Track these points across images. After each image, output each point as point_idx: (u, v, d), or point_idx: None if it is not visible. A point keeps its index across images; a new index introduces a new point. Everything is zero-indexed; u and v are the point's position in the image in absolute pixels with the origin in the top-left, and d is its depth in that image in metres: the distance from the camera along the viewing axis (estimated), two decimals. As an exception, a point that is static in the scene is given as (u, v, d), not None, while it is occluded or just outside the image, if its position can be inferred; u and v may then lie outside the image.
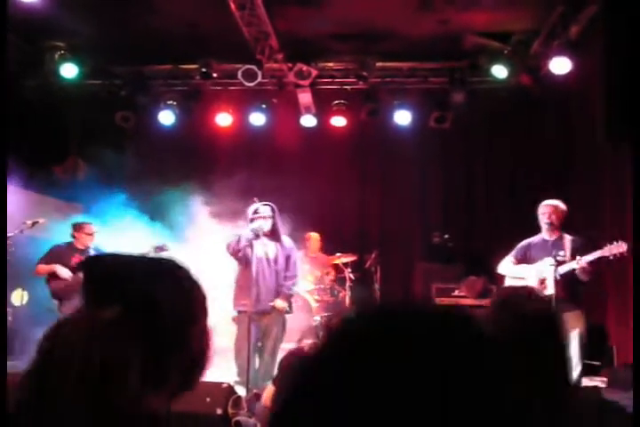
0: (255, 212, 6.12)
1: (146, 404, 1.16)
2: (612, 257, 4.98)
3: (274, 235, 6.19)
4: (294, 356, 4.00)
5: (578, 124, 8.18)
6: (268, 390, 4.04)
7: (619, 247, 4.92)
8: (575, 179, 8.22)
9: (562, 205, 5.53)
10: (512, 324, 1.80)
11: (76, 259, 6.54)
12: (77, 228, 6.67)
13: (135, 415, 1.14)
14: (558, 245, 5.37)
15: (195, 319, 1.29)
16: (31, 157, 7.49)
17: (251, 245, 5.92)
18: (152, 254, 6.41)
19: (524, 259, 5.59)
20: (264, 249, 6.05)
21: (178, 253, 7.13)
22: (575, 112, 8.24)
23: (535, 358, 1.72)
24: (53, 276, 6.43)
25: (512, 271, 5.60)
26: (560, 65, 6.99)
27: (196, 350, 1.27)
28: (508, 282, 5.69)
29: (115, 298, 1.20)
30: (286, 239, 6.27)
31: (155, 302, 1.23)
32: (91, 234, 6.65)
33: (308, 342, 3.98)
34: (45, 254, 6.55)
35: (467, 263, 8.18)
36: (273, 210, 6.20)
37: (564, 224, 5.53)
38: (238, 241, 6.01)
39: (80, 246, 6.62)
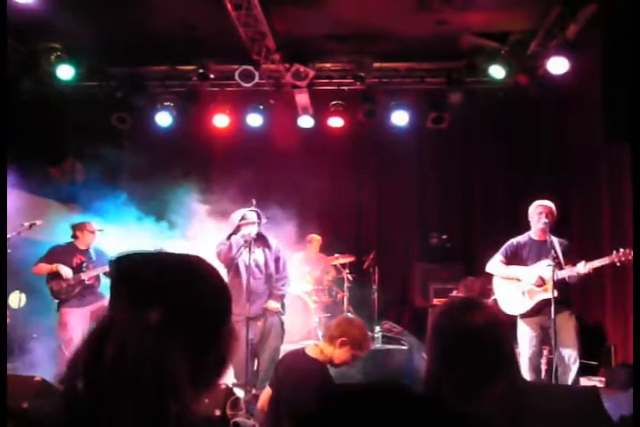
0: (243, 218, 6.12)
1: (195, 407, 1.16)
2: (618, 264, 4.97)
3: (260, 240, 6.20)
4: (293, 356, 3.98)
5: (575, 123, 8.19)
6: (265, 393, 4.01)
7: (626, 255, 4.91)
8: (573, 178, 8.23)
9: (553, 207, 5.53)
10: (454, 335, 1.85)
11: (77, 259, 6.57)
12: (79, 227, 6.69)
13: (190, 420, 1.13)
14: (549, 246, 5.35)
15: (227, 319, 1.31)
16: (28, 158, 7.47)
17: (240, 253, 5.93)
18: None
19: (513, 259, 5.55)
20: (253, 256, 6.04)
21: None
22: (572, 112, 8.25)
23: (480, 367, 1.76)
24: (54, 275, 6.44)
25: (504, 272, 5.56)
26: (557, 65, 6.99)
27: (224, 349, 1.28)
28: (497, 282, 5.67)
29: (155, 298, 1.20)
30: (273, 241, 6.27)
31: (194, 302, 1.24)
32: (93, 232, 6.69)
33: (307, 344, 3.97)
34: (46, 254, 6.56)
35: (464, 264, 8.19)
36: (259, 216, 6.22)
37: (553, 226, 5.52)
38: (230, 248, 6.00)
39: (81, 247, 6.63)
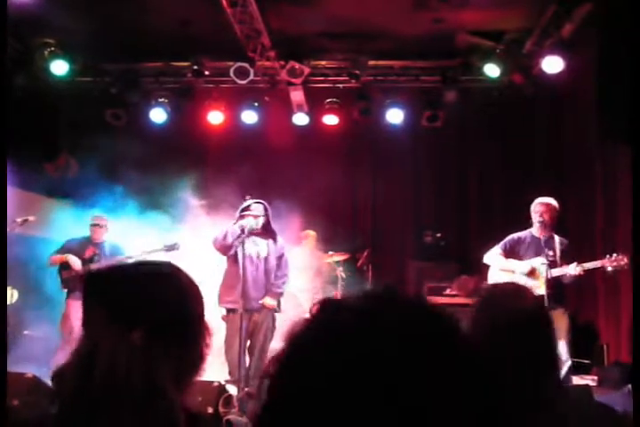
0: (246, 208, 6.10)
1: (181, 402, 1.22)
2: (610, 268, 5.00)
3: (266, 233, 6.17)
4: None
5: (570, 122, 8.20)
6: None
7: (620, 260, 4.94)
8: (567, 177, 8.24)
9: (555, 204, 5.54)
10: (500, 321, 1.78)
11: (89, 251, 6.71)
12: (92, 221, 6.83)
13: (177, 415, 1.19)
14: (548, 244, 5.39)
15: (202, 320, 1.36)
16: (21, 154, 7.43)
17: (242, 243, 5.89)
18: (162, 253, 6.48)
19: (511, 253, 5.59)
20: (255, 248, 6.03)
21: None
22: (567, 111, 8.26)
23: (522, 356, 1.71)
24: (65, 266, 6.59)
25: (500, 264, 5.60)
26: (552, 64, 7.00)
27: (202, 346, 1.33)
28: (492, 273, 5.69)
29: (136, 317, 1.25)
30: (279, 239, 6.25)
31: (174, 314, 1.30)
32: (103, 226, 6.82)
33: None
34: (60, 246, 6.73)
35: (459, 262, 8.19)
36: (265, 208, 6.18)
37: (555, 223, 5.54)
38: (225, 236, 5.99)
39: (95, 240, 6.77)
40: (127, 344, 1.19)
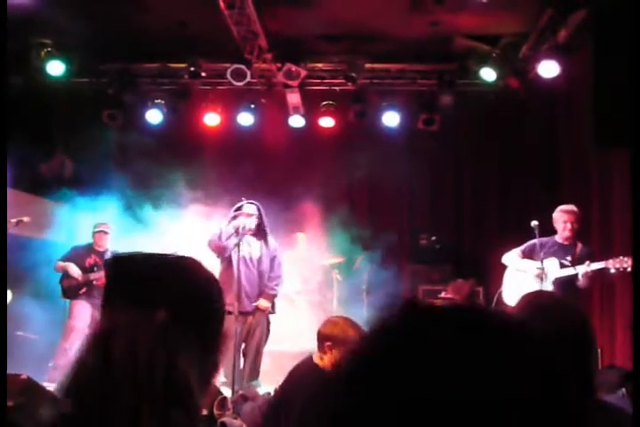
0: (238, 209, 6.11)
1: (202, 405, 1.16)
2: (614, 270, 5.04)
3: (259, 235, 6.17)
4: (303, 366, 3.93)
5: (565, 126, 8.23)
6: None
7: (624, 262, 4.98)
8: (562, 181, 8.27)
9: (577, 210, 5.62)
10: (547, 330, 1.73)
11: (90, 260, 6.68)
12: (94, 228, 6.79)
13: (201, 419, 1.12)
14: (569, 250, 5.46)
15: (224, 318, 1.33)
16: (17, 154, 7.41)
17: (237, 244, 5.90)
18: None
19: (530, 255, 5.67)
20: (248, 249, 6.03)
21: (161, 250, 7.09)
22: (563, 115, 8.29)
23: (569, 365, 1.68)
24: (66, 274, 6.60)
25: (516, 264, 5.68)
26: (548, 68, 7.03)
27: (222, 348, 1.30)
28: (508, 273, 5.77)
29: (158, 298, 1.19)
30: (271, 240, 6.25)
31: (198, 302, 1.25)
32: (103, 232, 6.83)
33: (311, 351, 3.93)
34: (65, 253, 6.78)
35: (454, 265, 8.20)
36: (258, 209, 6.19)
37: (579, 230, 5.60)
38: (219, 237, 5.99)
39: (98, 248, 6.73)
40: (150, 322, 1.09)
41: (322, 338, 3.72)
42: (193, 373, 1.08)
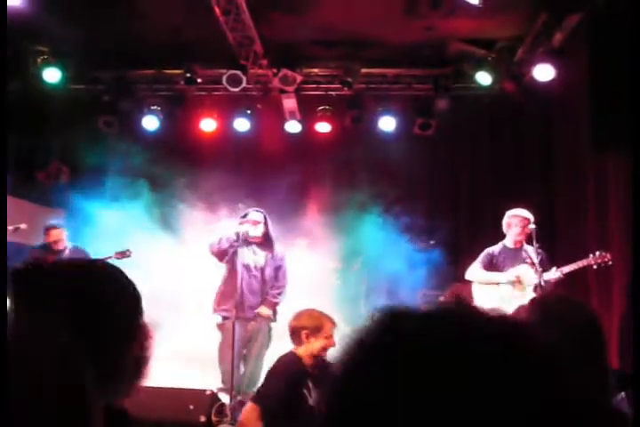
0: (244, 216, 6.13)
1: (108, 404, 1.16)
2: (595, 266, 5.06)
3: (265, 243, 6.18)
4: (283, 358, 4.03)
5: (561, 129, 8.24)
6: (248, 409, 4.01)
7: (603, 257, 5.01)
8: (559, 184, 8.28)
9: (529, 215, 5.70)
10: (559, 333, 1.72)
11: (50, 260, 6.54)
12: (44, 232, 6.69)
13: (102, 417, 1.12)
14: (523, 253, 5.52)
15: (136, 320, 1.31)
16: (13, 161, 7.41)
17: (237, 252, 5.91)
18: (112, 259, 6.40)
19: (489, 266, 5.71)
20: (253, 257, 6.04)
21: (160, 256, 7.08)
22: (558, 118, 8.31)
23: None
24: None
25: (483, 277, 5.70)
26: (543, 72, 7.05)
27: (137, 350, 1.28)
28: (477, 288, 5.77)
29: (55, 304, 1.20)
30: (278, 249, 6.27)
31: (97, 306, 1.24)
32: (55, 242, 6.61)
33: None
34: (25, 257, 6.53)
35: (452, 269, 8.18)
36: (265, 217, 6.20)
37: (529, 234, 5.64)
38: (220, 242, 6.01)
39: (56, 247, 6.62)
40: (42, 332, 1.14)
41: (297, 329, 3.93)
42: (87, 377, 1.11)
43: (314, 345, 3.92)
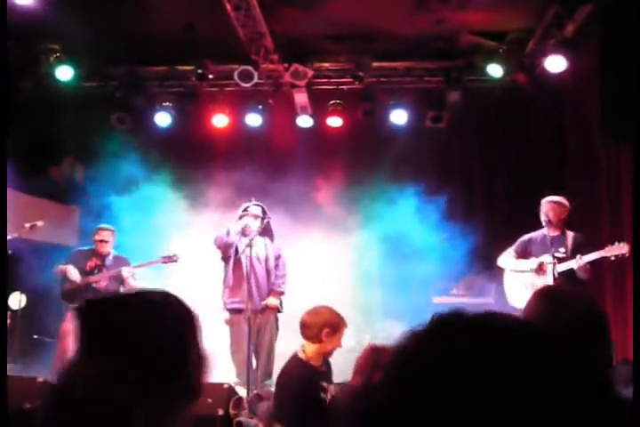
0: (245, 210, 6.21)
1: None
2: (613, 258, 5.03)
3: (264, 235, 6.26)
4: (288, 363, 4.01)
5: (573, 121, 8.21)
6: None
7: (620, 248, 4.98)
8: (571, 177, 8.25)
9: (564, 202, 5.60)
10: (562, 324, 1.73)
11: (92, 263, 6.62)
12: (94, 233, 6.75)
13: None
14: (559, 241, 5.44)
15: (193, 349, 1.35)
16: (27, 159, 7.48)
17: (248, 245, 5.97)
18: (159, 263, 6.47)
19: (523, 253, 5.67)
20: (255, 249, 6.10)
21: (174, 252, 7.12)
22: (570, 109, 8.27)
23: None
24: (65, 277, 6.50)
25: (512, 265, 5.67)
26: (555, 63, 7.02)
27: (191, 378, 1.33)
28: (507, 275, 5.76)
29: (119, 344, 1.27)
30: (275, 239, 6.36)
31: (157, 343, 1.29)
32: (102, 241, 6.68)
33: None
34: (66, 256, 6.71)
35: (464, 262, 8.19)
36: (264, 211, 6.28)
37: (566, 221, 5.58)
38: (227, 234, 6.09)
39: (100, 251, 6.67)
40: (92, 369, 1.20)
41: (318, 326, 3.81)
42: (155, 407, 1.18)
43: (328, 345, 3.89)
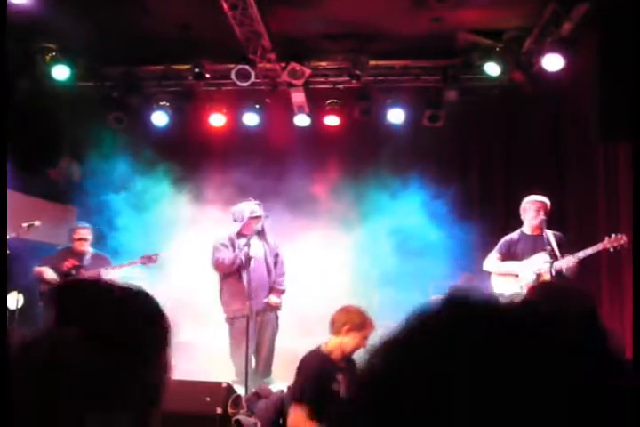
0: (252, 212, 6.17)
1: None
2: (612, 249, 5.02)
3: (261, 234, 6.26)
4: (310, 355, 4.05)
5: (570, 119, 8.22)
6: (293, 413, 3.99)
7: (619, 240, 4.96)
8: (568, 175, 8.26)
9: (547, 201, 5.61)
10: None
11: (68, 263, 6.52)
12: (71, 232, 6.68)
13: None
14: (543, 240, 5.43)
15: (160, 351, 1.33)
16: (24, 159, 7.46)
17: (246, 244, 5.96)
18: (138, 263, 6.42)
19: (508, 255, 5.64)
20: (254, 249, 6.09)
21: (172, 255, 7.11)
22: (568, 108, 8.28)
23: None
24: (43, 278, 6.44)
25: (501, 268, 5.63)
26: (552, 62, 7.02)
27: (154, 379, 1.31)
28: (495, 279, 5.72)
29: (80, 322, 1.25)
30: (270, 237, 6.35)
31: (117, 325, 1.29)
32: (80, 239, 6.63)
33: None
34: (45, 257, 6.63)
35: (462, 260, 8.19)
36: (262, 209, 6.29)
37: (548, 220, 5.59)
38: (233, 263, 6.03)
39: (77, 250, 6.61)
40: (55, 338, 1.19)
41: (341, 322, 3.94)
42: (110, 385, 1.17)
43: (350, 340, 3.95)
